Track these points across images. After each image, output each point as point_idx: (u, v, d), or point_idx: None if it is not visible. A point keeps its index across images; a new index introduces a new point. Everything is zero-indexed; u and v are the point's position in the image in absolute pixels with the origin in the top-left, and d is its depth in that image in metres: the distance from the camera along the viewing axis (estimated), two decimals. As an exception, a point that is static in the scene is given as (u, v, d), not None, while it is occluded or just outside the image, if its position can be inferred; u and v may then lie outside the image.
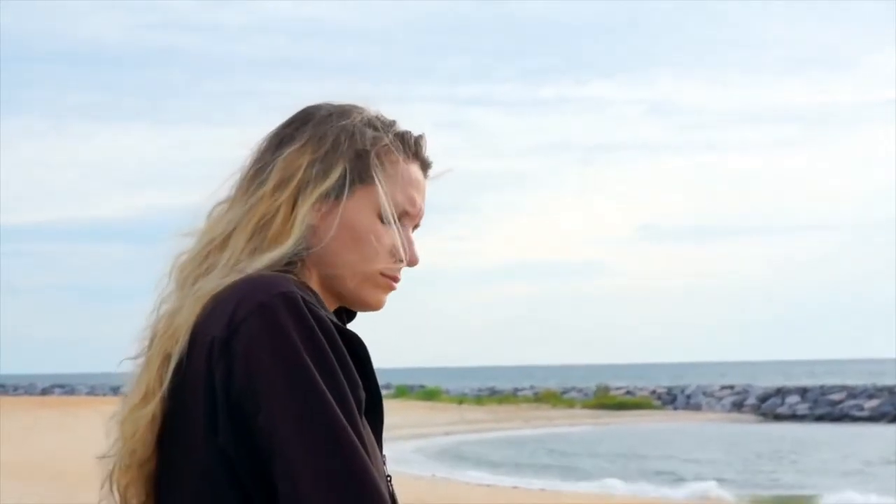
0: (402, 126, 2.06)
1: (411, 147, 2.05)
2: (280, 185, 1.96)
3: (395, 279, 2.02)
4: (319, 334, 1.83)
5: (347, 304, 2.03)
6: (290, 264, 1.94)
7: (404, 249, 2.01)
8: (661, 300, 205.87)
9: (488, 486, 24.14)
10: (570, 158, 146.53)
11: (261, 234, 1.94)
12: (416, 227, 2.06)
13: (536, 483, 25.45)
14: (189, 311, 1.90)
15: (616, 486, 25.48)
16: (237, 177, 2.02)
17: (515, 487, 24.24)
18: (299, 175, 1.96)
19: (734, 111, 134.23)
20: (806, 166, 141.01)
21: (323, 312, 1.87)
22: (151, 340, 1.95)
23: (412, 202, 2.02)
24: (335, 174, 1.96)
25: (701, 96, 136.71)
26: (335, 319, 1.89)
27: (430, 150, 2.08)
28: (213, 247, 1.96)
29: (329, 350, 1.83)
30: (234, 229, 1.95)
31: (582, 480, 26.56)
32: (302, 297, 1.85)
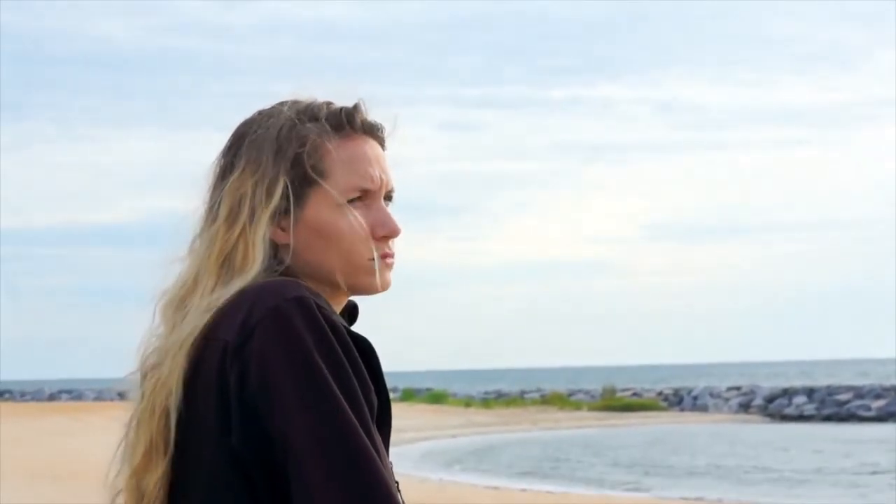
0: (336, 104, 2.02)
1: (346, 123, 2.00)
2: (231, 219, 1.95)
3: (388, 256, 2.00)
4: (333, 339, 1.83)
5: (356, 294, 2.02)
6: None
7: (382, 226, 1.99)
8: (668, 300, 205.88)
9: (496, 488, 24.11)
10: (578, 158, 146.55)
11: (225, 270, 1.94)
12: (389, 196, 2.02)
13: (544, 486, 25.43)
14: (174, 362, 1.90)
15: (623, 488, 25.45)
16: (201, 209, 2.01)
17: (523, 490, 24.21)
18: (247, 203, 1.95)
19: (742, 110, 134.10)
20: (814, 165, 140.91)
21: (336, 317, 1.87)
22: (142, 393, 1.94)
23: (368, 178, 1.99)
24: (278, 191, 1.94)
25: (708, 95, 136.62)
26: (346, 324, 1.90)
27: (373, 112, 2.02)
28: (186, 290, 1.96)
29: (342, 355, 1.83)
30: (199, 271, 1.96)
31: (589, 483, 26.52)
32: (315, 301, 1.86)
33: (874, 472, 27.74)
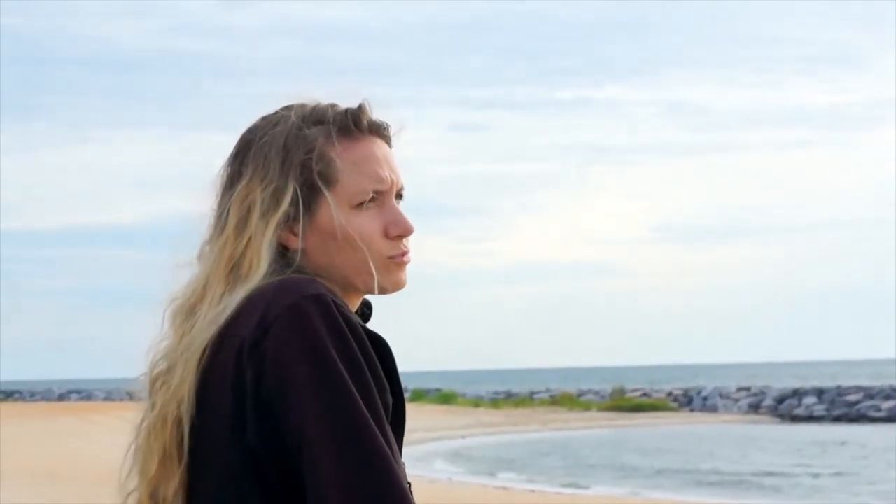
0: (341, 105, 2.01)
1: (352, 124, 2.00)
2: (240, 227, 1.95)
3: (403, 254, 2.00)
4: (350, 337, 1.84)
5: (370, 294, 2.02)
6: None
7: (395, 225, 1.99)
8: (676, 301, 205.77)
9: (505, 489, 24.13)
10: (584, 160, 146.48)
11: (233, 277, 1.94)
12: (400, 194, 2.02)
13: (552, 487, 25.43)
14: (185, 371, 1.90)
15: (632, 488, 25.44)
16: (210, 216, 2.01)
17: (532, 491, 24.22)
18: (255, 211, 1.95)
19: (745, 111, 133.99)
20: (820, 166, 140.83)
21: (353, 315, 1.88)
22: (153, 402, 1.94)
23: (378, 179, 1.99)
24: (287, 199, 1.94)
25: (712, 97, 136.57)
26: (363, 323, 1.91)
27: (379, 114, 2.02)
28: (196, 298, 1.96)
29: (359, 353, 1.84)
30: (208, 279, 1.96)
31: (598, 483, 26.52)
32: (332, 299, 1.86)
33: (873, 473, 27.71)
